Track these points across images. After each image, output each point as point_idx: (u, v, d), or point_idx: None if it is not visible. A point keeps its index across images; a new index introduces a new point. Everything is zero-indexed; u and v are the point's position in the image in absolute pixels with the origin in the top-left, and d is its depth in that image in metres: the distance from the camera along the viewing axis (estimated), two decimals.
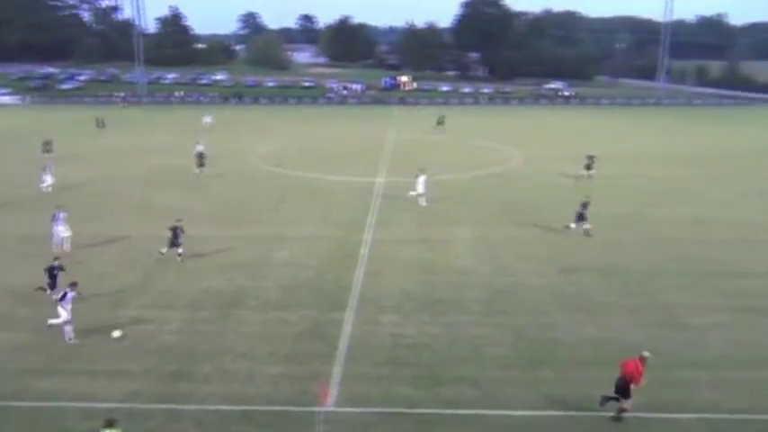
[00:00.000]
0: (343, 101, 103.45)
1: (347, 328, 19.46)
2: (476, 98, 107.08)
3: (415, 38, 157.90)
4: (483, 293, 22.32)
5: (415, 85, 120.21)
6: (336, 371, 16.97)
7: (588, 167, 40.85)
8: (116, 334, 18.54)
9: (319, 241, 28.04)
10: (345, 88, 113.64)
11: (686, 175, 42.99)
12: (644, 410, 15.17)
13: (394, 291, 22.46)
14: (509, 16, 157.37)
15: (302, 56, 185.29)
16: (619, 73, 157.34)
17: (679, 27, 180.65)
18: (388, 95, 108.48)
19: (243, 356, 17.67)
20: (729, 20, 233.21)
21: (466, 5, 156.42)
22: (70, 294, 18.23)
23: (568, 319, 20.25)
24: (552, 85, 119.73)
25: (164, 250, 24.98)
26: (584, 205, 28.88)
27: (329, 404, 15.24)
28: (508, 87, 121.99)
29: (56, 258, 21.24)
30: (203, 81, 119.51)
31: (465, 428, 14.62)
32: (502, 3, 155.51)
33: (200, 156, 41.66)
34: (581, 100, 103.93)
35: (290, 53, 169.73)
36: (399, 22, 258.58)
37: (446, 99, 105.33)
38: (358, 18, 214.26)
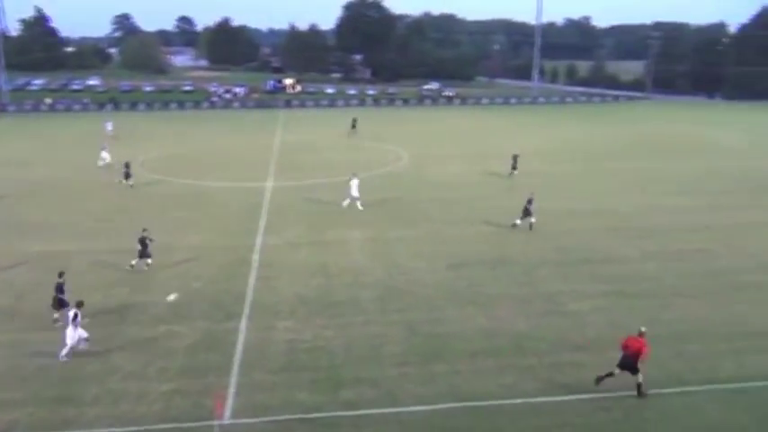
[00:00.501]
0: (227, 105, 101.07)
1: (242, 337, 19.05)
2: (361, 100, 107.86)
3: (297, 40, 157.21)
4: (377, 293, 22.54)
5: (300, 87, 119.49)
6: (232, 382, 16.57)
7: (514, 167, 42.22)
8: (171, 297, 20.30)
9: (209, 250, 27.26)
10: (228, 92, 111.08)
11: (562, 170, 45.38)
12: (535, 395, 15.89)
13: (288, 295, 22.23)
14: (390, 19, 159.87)
15: (181, 59, 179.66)
16: (496, 73, 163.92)
17: (550, 29, 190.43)
18: (274, 98, 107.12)
19: (132, 375, 16.86)
20: (594, 22, 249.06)
21: (347, 8, 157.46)
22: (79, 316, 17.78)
23: (460, 312, 20.85)
24: (430, 86, 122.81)
25: (133, 262, 24.40)
26: (530, 201, 30.02)
27: (226, 417, 14.85)
28: (392, 88, 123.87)
29: None
30: (75, 87, 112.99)
31: (366, 429, 14.69)
32: (383, 5, 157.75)
33: (127, 165, 39.23)
34: (462, 100, 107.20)
35: (168, 56, 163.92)
36: (281, 24, 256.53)
37: (332, 101, 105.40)
38: (238, 20, 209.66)
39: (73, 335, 17.57)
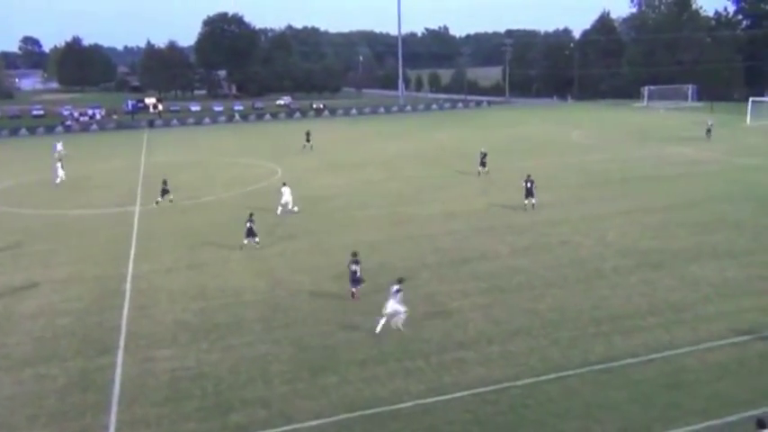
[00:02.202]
0: (85, 128, 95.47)
1: (119, 372, 18.00)
2: (229, 116, 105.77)
3: (156, 58, 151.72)
4: (261, 311, 22.11)
5: (162, 106, 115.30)
6: (112, 420, 15.60)
7: (483, 164, 44.78)
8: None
9: (76, 283, 25.57)
10: (83, 115, 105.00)
11: (434, 173, 46.79)
12: (425, 396, 16.21)
13: (167, 323, 21.29)
14: (252, 33, 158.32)
15: (28, 82, 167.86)
16: (363, 84, 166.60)
17: (411, 39, 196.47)
18: (135, 119, 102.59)
19: None
20: (452, 31, 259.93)
21: (207, 24, 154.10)
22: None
23: (346, 322, 20.89)
24: (281, 101, 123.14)
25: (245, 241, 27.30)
26: (531, 182, 34.20)
27: None
28: (259, 103, 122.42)
29: None
30: None
31: None
32: (244, 20, 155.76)
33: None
34: (332, 112, 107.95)
35: (13, 80, 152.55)
36: (138, 41, 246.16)
37: (198, 119, 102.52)
38: (90, 39, 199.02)
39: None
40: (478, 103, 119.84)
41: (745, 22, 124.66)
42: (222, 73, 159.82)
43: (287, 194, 35.59)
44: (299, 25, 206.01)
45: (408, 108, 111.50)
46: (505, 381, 16.84)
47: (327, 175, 47.44)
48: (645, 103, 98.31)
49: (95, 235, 32.96)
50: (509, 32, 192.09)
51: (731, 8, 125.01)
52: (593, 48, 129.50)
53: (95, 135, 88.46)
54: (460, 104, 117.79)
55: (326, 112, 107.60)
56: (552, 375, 17.12)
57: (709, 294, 22.35)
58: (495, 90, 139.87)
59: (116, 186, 46.24)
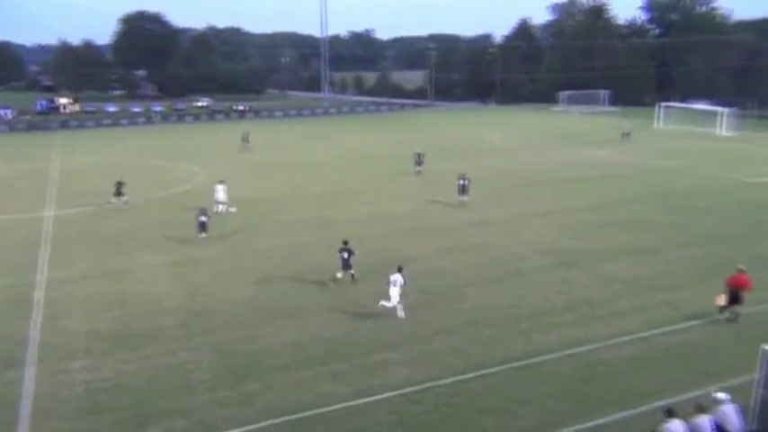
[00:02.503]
0: None
1: (29, 386, 17.14)
2: (147, 117, 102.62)
3: (70, 56, 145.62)
4: (181, 318, 21.55)
5: (77, 107, 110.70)
6: None
7: (418, 163, 47.30)
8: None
9: None
10: None
11: (359, 177, 46.88)
12: (350, 399, 16.21)
13: (81, 333, 20.43)
14: (173, 33, 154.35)
15: None
16: (287, 86, 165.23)
17: (335, 42, 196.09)
18: (47, 120, 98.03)
19: None
20: (377, 35, 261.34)
21: (125, 22, 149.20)
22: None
23: (270, 327, 20.65)
24: (200, 103, 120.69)
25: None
26: (467, 180, 36.27)
27: None
28: (181, 104, 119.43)
29: None
30: None
31: None
32: (163, 19, 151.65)
33: None
34: (255, 114, 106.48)
35: None
36: (50, 39, 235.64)
37: (115, 120, 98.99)
38: None
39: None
40: (403, 107, 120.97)
41: (655, 31, 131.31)
42: (141, 73, 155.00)
43: (221, 192, 35.54)
44: (220, 25, 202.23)
45: (333, 110, 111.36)
46: (429, 380, 17.07)
47: (252, 178, 46.76)
48: (563, 107, 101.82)
49: (3, 242, 31.30)
50: (432, 37, 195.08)
51: (643, 17, 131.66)
52: (513, 53, 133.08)
53: (5, 136, 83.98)
54: (385, 107, 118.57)
55: (250, 114, 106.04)
56: (474, 373, 17.47)
57: (622, 291, 23.37)
58: (420, 94, 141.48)
59: (25, 190, 44.06)
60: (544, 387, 16.76)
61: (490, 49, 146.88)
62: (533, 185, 42.51)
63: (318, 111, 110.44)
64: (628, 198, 37.74)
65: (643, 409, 15.46)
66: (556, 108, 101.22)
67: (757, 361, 14.36)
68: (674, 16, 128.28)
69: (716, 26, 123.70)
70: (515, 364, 17.93)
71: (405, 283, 21.13)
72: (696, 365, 17.75)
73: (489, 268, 26.07)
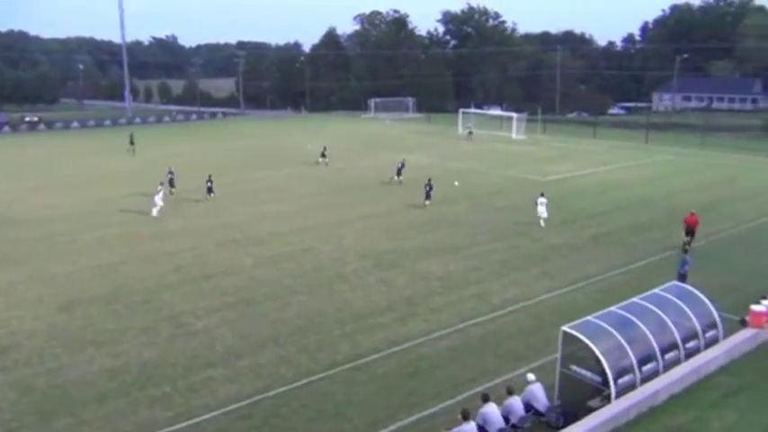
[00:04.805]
0: None
1: None
2: None
3: None
4: None
5: None
6: None
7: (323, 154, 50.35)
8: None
9: None
10: None
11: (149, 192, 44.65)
12: (175, 422, 15.41)
13: None
14: None
15: None
16: (85, 95, 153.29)
17: (137, 48, 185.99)
18: None
19: None
20: (181, 41, 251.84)
21: None
22: None
23: (79, 356, 18.98)
24: None
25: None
26: (431, 186, 38.05)
27: None
28: None
29: None
30: None
31: None
32: None
33: None
34: (48, 125, 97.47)
35: None
36: None
37: None
38: None
39: None
40: (213, 115, 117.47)
41: (452, 42, 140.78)
42: None
43: None
44: (3, 28, 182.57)
45: (138, 120, 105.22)
46: (257, 393, 16.74)
47: (47, 195, 42.67)
48: (372, 114, 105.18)
49: None
50: (241, 44, 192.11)
51: (441, 29, 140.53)
52: (322, 61, 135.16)
53: None
54: (194, 116, 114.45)
55: (42, 126, 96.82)
56: (303, 381, 17.44)
57: (437, 287, 24.65)
58: (230, 102, 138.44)
59: None
60: (372, 386, 17.16)
61: (300, 57, 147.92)
62: (349, 190, 43.40)
63: (122, 121, 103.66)
64: (437, 199, 39.83)
65: (462, 397, 16.41)
66: (365, 115, 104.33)
67: (558, 342, 15.87)
68: (468, 29, 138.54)
69: (505, 39, 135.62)
70: (343, 367, 18.17)
71: None
72: (506, 351, 19.20)
73: (312, 275, 26.17)
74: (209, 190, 40.11)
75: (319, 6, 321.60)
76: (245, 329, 20.79)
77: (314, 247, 29.96)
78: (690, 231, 29.05)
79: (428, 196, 38.08)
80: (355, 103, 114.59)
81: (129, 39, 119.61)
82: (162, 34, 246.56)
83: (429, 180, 38.67)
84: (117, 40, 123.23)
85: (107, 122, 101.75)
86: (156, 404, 16.30)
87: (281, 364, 18.38)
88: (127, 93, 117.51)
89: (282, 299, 23.49)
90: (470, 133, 72.37)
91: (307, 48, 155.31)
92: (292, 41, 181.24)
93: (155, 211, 35.84)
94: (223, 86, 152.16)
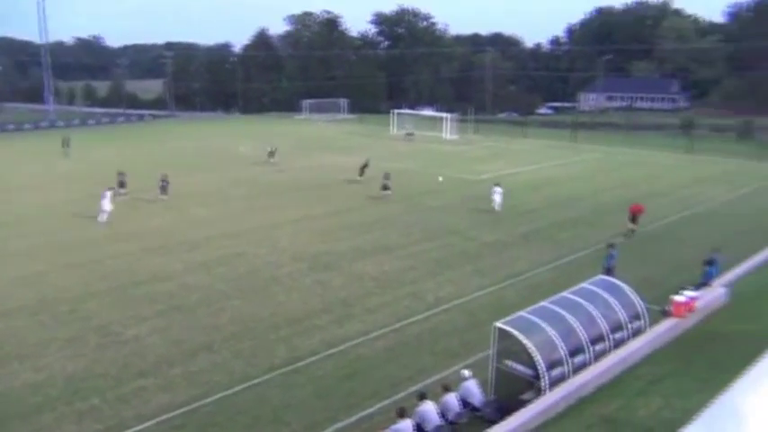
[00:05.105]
0: None
1: None
2: None
3: None
4: None
5: None
6: None
7: (270, 153, 52.75)
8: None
9: None
10: None
11: (95, 194, 43.10)
12: None
13: None
14: None
15: None
16: (2, 97, 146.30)
17: (59, 48, 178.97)
18: None
19: None
20: (107, 42, 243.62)
21: None
22: None
23: (1, 371, 18.10)
24: None
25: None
26: (386, 176, 40.36)
27: None
28: None
29: None
30: None
31: None
32: None
33: None
34: None
35: None
36: None
37: None
38: None
39: None
40: (141, 117, 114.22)
41: (385, 43, 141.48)
42: None
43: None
44: None
45: (60, 123, 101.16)
46: (192, 402, 16.39)
47: None
48: (305, 115, 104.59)
49: None
50: (169, 45, 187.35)
51: (373, 30, 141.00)
52: (254, 62, 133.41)
53: None
54: (122, 118, 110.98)
55: None
56: (239, 387, 17.18)
57: (372, 288, 24.74)
58: (158, 103, 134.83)
59: None
60: (310, 389, 17.07)
61: (230, 58, 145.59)
62: (283, 193, 43.01)
63: (43, 124, 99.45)
64: (371, 199, 39.96)
65: (400, 396, 16.52)
66: (299, 117, 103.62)
67: (491, 338, 16.19)
68: (400, 30, 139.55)
69: (437, 40, 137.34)
70: (280, 371, 18.00)
71: None
72: (442, 349, 19.45)
73: (246, 279, 25.80)
74: (163, 189, 40.06)
75: (250, 6, 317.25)
76: (178, 337, 20.31)
77: (247, 251, 29.53)
78: (634, 219, 31.51)
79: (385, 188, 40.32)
80: (288, 105, 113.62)
81: (50, 39, 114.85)
82: (86, 34, 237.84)
83: (387, 175, 40.81)
84: (38, 40, 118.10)
85: (27, 126, 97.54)
86: (84, 418, 15.73)
87: (215, 371, 18.05)
88: (47, 94, 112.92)
89: (216, 304, 23.06)
90: (410, 134, 73.46)
91: (237, 48, 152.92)
92: (222, 42, 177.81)
93: (104, 217, 34.56)
94: (151, 88, 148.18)
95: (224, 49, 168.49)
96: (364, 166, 46.25)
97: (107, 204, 34.71)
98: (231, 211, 37.27)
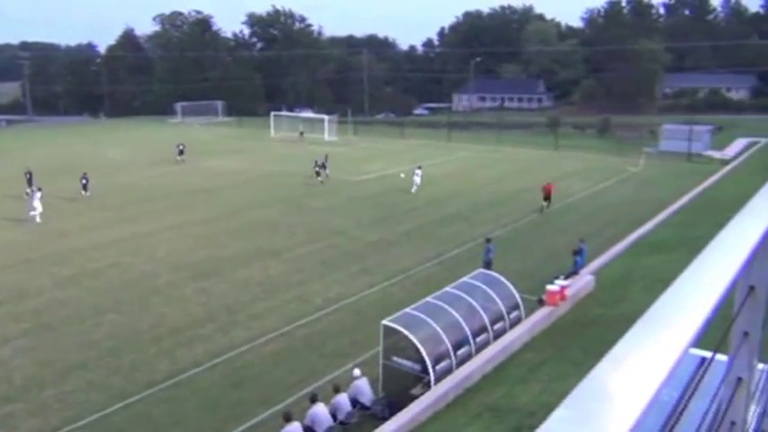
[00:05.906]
0: None
1: None
2: None
3: None
4: None
5: None
6: None
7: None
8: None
9: None
10: None
11: None
12: None
13: None
14: None
15: None
16: None
17: None
18: None
19: None
20: None
21: None
22: None
23: None
24: None
25: None
26: (326, 158, 44.28)
27: None
28: None
29: None
30: None
31: None
32: None
33: None
34: None
35: None
36: None
37: None
38: None
39: None
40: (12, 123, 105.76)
41: (259, 45, 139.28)
42: None
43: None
44: None
45: None
46: (65, 425, 15.41)
47: None
48: (180, 119, 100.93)
49: None
50: (25, 45, 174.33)
51: (247, 31, 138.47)
52: (121, 64, 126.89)
53: None
54: None
55: None
56: (118, 405, 16.31)
57: (258, 293, 24.29)
58: (15, 108, 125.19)
59: None
60: (195, 401, 16.48)
61: (95, 60, 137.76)
62: (159, 199, 41.23)
63: None
64: (253, 203, 39.25)
65: (290, 400, 16.33)
66: (173, 120, 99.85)
67: (379, 335, 16.36)
68: (275, 31, 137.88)
69: (312, 42, 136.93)
70: (162, 386, 17.24)
71: None
72: (331, 350, 19.43)
73: (121, 291, 24.49)
74: (84, 187, 40.64)
75: (113, 5, 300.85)
76: (48, 356, 18.95)
77: (122, 262, 28.06)
78: (547, 197, 35.94)
79: (318, 174, 44.33)
80: (160, 108, 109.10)
81: None
82: None
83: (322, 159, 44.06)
84: None
85: None
86: None
87: (91, 390, 17.00)
88: None
89: (89, 320, 21.72)
90: (302, 133, 74.36)
91: (102, 49, 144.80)
92: (85, 42, 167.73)
93: (37, 217, 34.02)
94: (5, 91, 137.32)
95: (87, 49, 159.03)
96: (322, 165, 46.76)
97: (38, 204, 34.62)
98: (102, 221, 35.22)
